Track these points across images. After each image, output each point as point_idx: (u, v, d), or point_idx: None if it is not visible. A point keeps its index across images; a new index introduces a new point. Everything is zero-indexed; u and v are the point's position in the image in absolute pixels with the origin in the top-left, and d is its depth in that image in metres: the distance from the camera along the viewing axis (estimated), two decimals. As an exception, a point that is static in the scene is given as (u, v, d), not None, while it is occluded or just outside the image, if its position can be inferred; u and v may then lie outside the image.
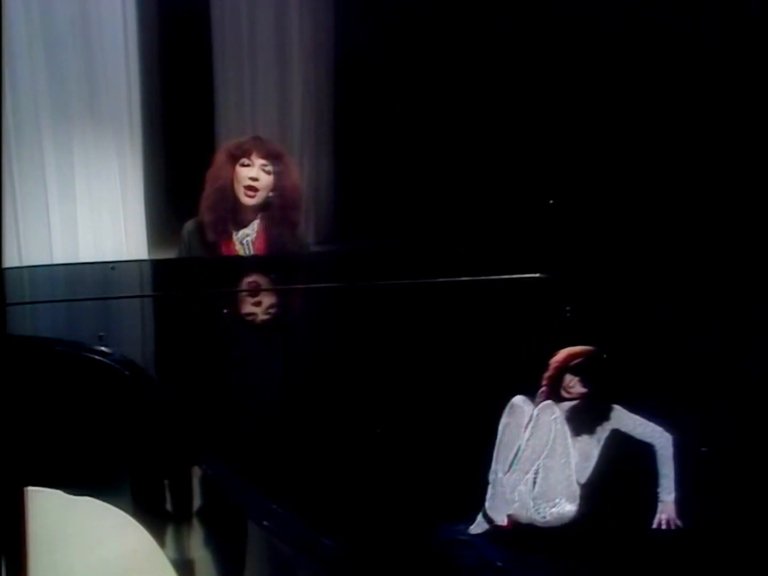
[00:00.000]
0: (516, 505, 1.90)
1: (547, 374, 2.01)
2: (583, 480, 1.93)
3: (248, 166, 3.20)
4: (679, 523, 1.87)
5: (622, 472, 1.95)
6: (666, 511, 1.90)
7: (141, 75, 4.16)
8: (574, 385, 2.00)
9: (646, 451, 1.93)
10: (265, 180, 3.21)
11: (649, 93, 3.68)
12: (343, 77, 4.53)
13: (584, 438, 1.97)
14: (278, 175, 3.23)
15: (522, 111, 3.97)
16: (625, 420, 1.97)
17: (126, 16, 4.06)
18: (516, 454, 1.95)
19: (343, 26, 4.49)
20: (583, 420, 1.98)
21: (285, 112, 4.56)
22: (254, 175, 3.20)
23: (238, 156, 3.21)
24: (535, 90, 3.94)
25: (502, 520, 1.87)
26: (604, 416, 1.98)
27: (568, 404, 2.00)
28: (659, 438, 1.94)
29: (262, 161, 3.21)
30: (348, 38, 4.44)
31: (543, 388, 2.00)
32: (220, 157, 3.26)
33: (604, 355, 2.04)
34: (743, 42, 3.50)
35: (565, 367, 2.02)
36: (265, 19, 4.45)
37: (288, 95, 4.55)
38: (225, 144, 3.33)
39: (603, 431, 1.98)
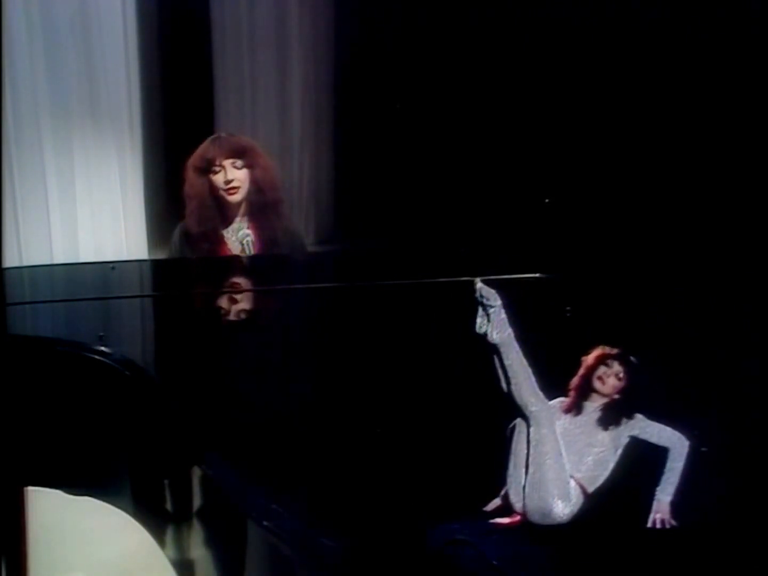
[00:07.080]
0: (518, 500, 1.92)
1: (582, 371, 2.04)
2: (593, 486, 1.94)
3: (219, 171, 3.24)
4: (673, 522, 1.88)
5: (634, 477, 1.96)
6: (661, 510, 1.90)
7: (141, 75, 4.15)
8: (606, 379, 2.02)
9: (659, 454, 1.94)
10: (241, 174, 3.26)
11: (647, 92, 3.68)
12: (343, 77, 4.53)
13: (602, 443, 1.98)
14: (250, 166, 3.26)
15: (520, 110, 3.96)
16: (646, 427, 1.98)
17: (126, 16, 4.05)
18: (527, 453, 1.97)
19: (343, 26, 4.48)
20: (603, 425, 2.00)
21: (285, 112, 4.56)
22: (229, 178, 3.24)
23: (205, 167, 3.24)
24: (533, 89, 3.94)
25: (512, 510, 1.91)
26: (626, 423, 1.99)
27: (582, 410, 2.01)
28: (677, 443, 1.95)
29: (230, 161, 3.23)
30: (348, 38, 4.44)
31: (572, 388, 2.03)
32: (189, 173, 3.28)
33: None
34: (742, 42, 3.50)
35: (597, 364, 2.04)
36: (265, 19, 4.45)
37: (288, 95, 4.54)
38: (189, 159, 3.31)
39: (622, 438, 1.99)
